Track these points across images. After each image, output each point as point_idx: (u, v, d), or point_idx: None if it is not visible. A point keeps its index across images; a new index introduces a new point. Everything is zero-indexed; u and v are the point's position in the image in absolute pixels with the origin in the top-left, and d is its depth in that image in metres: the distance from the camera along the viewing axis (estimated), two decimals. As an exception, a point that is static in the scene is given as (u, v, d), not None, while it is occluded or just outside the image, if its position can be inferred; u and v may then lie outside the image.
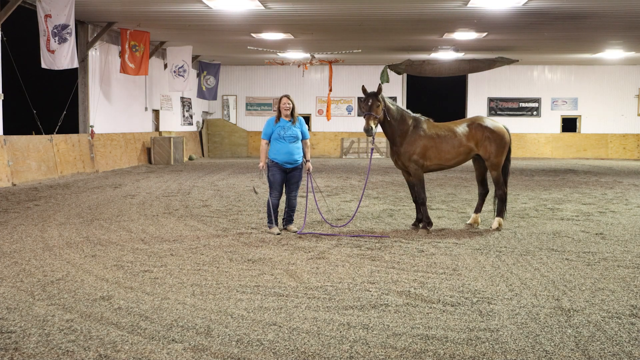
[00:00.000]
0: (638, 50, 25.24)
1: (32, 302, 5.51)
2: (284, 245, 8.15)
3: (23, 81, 16.12)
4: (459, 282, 6.27)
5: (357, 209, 10.37)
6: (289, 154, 8.87)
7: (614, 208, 11.82)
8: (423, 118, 9.37)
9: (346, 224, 9.67)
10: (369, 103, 8.83)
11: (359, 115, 30.48)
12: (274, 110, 31.26)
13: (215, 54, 27.36)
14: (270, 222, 9.02)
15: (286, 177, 9.01)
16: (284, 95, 8.97)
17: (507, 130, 9.60)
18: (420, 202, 9.26)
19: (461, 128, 9.38)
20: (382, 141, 29.38)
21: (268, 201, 8.99)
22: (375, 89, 9.10)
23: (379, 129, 9.22)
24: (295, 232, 9.03)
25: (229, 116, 31.76)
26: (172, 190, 14.45)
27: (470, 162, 9.95)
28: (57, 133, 17.66)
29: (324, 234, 8.89)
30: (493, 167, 9.41)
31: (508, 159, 9.58)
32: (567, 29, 20.03)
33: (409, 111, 9.37)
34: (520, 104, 31.19)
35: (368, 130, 8.71)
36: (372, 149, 9.57)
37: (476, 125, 9.40)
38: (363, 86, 9.15)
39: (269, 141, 8.95)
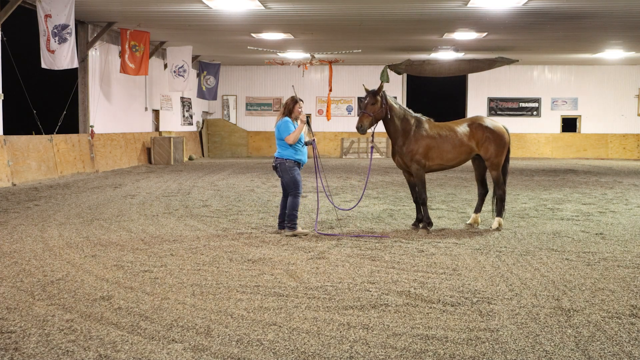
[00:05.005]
0: (638, 50, 25.23)
1: (32, 302, 5.51)
2: (284, 245, 8.15)
3: (23, 81, 16.11)
4: (459, 282, 6.27)
5: (360, 198, 10.39)
6: (307, 154, 9.03)
7: (614, 208, 11.82)
8: (424, 118, 9.38)
9: (352, 208, 10.92)
10: (365, 101, 9.01)
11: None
12: (275, 110, 31.09)
13: (215, 54, 27.36)
14: (296, 224, 8.80)
15: None
16: (300, 99, 8.83)
17: (506, 130, 9.62)
18: (421, 202, 9.26)
19: (462, 128, 9.39)
20: (382, 141, 29.36)
21: (298, 202, 8.76)
22: (377, 88, 9.14)
23: (381, 128, 9.24)
24: (306, 234, 8.83)
25: (229, 116, 31.75)
26: (172, 190, 14.45)
27: (470, 162, 9.96)
28: (57, 133, 17.65)
29: (324, 234, 8.89)
30: (493, 167, 9.42)
31: (507, 159, 9.59)
32: (567, 29, 20.03)
33: (410, 111, 9.39)
34: (520, 104, 31.17)
35: (359, 128, 8.93)
36: (372, 147, 9.67)
37: (477, 125, 9.41)
38: (364, 85, 9.22)
39: None
